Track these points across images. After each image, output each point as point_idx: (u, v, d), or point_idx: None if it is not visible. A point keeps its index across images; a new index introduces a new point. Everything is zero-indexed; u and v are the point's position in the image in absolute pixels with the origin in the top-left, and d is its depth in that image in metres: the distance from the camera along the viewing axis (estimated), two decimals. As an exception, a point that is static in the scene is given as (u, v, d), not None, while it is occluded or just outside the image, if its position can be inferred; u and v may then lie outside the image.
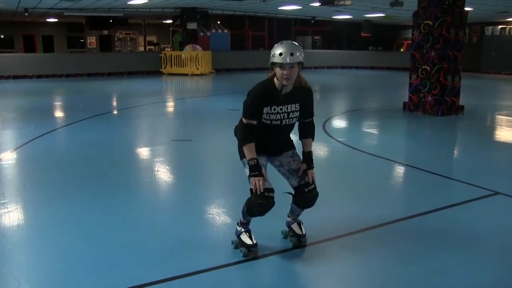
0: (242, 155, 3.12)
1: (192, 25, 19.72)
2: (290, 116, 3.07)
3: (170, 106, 11.81)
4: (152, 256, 3.24)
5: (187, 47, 19.36)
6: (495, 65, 21.42)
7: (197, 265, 3.08)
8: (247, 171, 3.04)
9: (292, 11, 20.22)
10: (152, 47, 28.51)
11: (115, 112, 10.66)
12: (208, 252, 3.29)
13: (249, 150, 3.01)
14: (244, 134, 3.05)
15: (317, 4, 14.06)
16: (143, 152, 6.66)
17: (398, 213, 4.11)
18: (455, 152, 7.16)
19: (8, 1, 15.55)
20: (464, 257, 3.28)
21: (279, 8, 18.85)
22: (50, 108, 11.08)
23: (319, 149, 6.36)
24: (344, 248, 3.42)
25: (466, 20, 9.44)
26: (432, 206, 4.21)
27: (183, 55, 19.27)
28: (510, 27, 22.34)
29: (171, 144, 7.09)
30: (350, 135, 7.99)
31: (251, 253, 3.18)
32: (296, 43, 3.00)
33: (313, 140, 3.25)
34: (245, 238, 3.21)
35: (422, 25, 9.36)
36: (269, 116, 3.03)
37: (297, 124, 3.20)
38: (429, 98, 9.37)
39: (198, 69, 19.13)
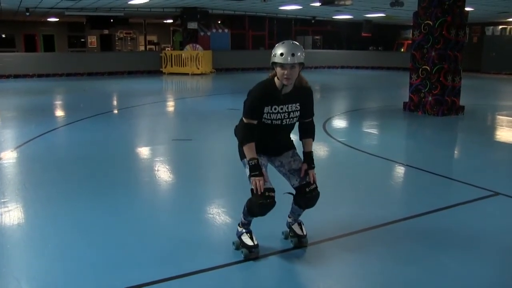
0: (242, 156, 3.12)
1: (192, 25, 19.72)
2: (290, 116, 3.06)
3: (171, 105, 11.81)
4: (152, 256, 3.24)
5: (188, 47, 19.36)
6: (495, 65, 21.40)
7: (197, 265, 3.08)
8: (247, 171, 3.03)
9: (293, 11, 20.22)
10: (153, 46, 28.52)
11: (116, 111, 10.66)
12: (208, 252, 3.28)
13: (250, 150, 3.01)
14: (244, 133, 3.05)
15: (318, 4, 14.06)
16: (143, 151, 6.66)
17: (398, 213, 4.11)
18: (455, 152, 7.16)
19: (10, 1, 15.55)
20: (464, 258, 3.28)
21: (279, 8, 18.84)
22: (51, 107, 11.08)
23: (319, 149, 6.36)
24: (344, 248, 3.42)
25: (466, 20, 9.44)
26: (432, 207, 4.20)
27: (183, 55, 19.27)
28: (510, 27, 22.33)
29: (171, 144, 7.09)
30: (350, 135, 7.99)
31: (252, 254, 3.17)
32: (297, 43, 2.99)
33: (313, 140, 3.25)
34: (246, 239, 3.20)
35: (423, 25, 9.36)
36: (270, 116, 3.02)
37: (297, 124, 3.20)
38: (430, 98, 9.37)
39: (198, 68, 19.13)
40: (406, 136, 8.40)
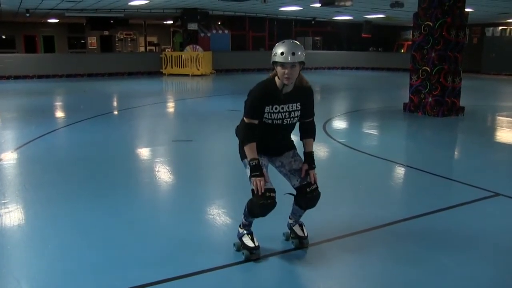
0: (243, 156, 3.11)
1: (192, 26, 19.73)
2: (291, 115, 3.06)
3: (171, 106, 11.81)
4: (152, 257, 3.24)
5: (188, 48, 19.37)
6: (495, 66, 21.41)
7: (197, 266, 3.08)
8: (248, 172, 3.03)
9: (293, 12, 20.24)
10: (153, 47, 28.53)
11: (116, 112, 10.66)
12: (209, 253, 3.28)
13: (251, 150, 3.01)
14: (245, 133, 3.05)
15: (318, 5, 14.06)
16: (144, 152, 6.66)
17: (399, 214, 4.11)
18: (456, 153, 7.16)
19: (10, 2, 15.57)
20: (464, 258, 3.27)
21: (279, 9, 18.86)
22: (51, 108, 11.08)
23: (319, 150, 6.36)
24: (345, 249, 3.42)
25: (466, 21, 9.44)
26: (432, 207, 4.20)
27: (183, 56, 19.28)
28: (510, 28, 22.35)
29: (172, 145, 7.09)
30: (351, 136, 7.99)
31: (253, 255, 3.16)
32: (298, 42, 3.00)
33: (314, 140, 3.24)
34: (247, 240, 3.19)
35: (423, 26, 9.36)
36: (271, 116, 3.02)
37: (297, 124, 3.20)
38: (430, 99, 9.37)
39: (198, 69, 19.13)
40: (406, 137, 8.40)
